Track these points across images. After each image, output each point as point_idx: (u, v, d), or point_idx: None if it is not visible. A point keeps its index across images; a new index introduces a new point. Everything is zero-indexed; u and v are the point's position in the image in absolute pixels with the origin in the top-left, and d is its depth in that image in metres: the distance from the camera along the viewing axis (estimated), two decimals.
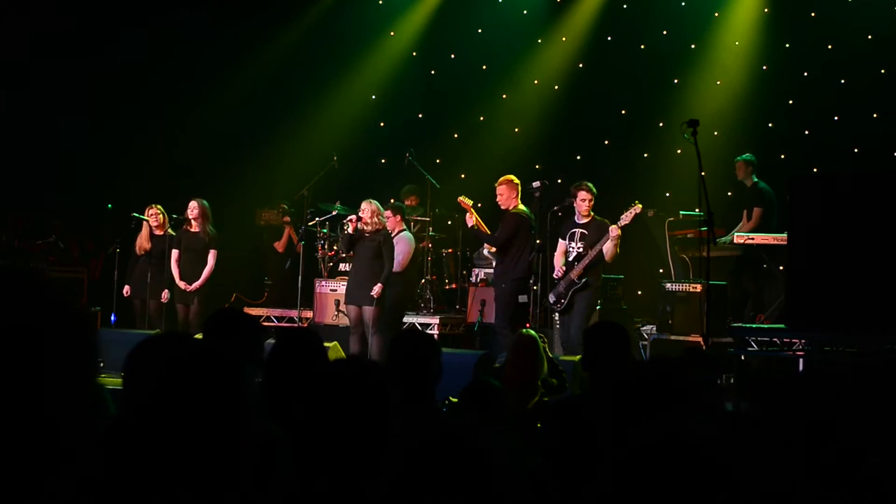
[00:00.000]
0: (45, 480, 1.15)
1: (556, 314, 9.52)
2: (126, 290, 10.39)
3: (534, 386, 5.49)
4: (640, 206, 8.91)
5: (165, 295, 10.13)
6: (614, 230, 8.76)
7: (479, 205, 11.49)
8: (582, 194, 9.08)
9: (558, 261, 9.19)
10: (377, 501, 1.52)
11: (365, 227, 9.62)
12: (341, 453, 1.93)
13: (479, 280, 10.99)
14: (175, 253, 10.16)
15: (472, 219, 9.36)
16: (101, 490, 1.51)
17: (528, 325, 8.67)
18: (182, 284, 10.08)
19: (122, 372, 1.68)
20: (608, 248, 8.84)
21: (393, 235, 9.84)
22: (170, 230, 10.38)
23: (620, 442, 1.48)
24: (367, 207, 9.66)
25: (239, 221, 12.16)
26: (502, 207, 9.39)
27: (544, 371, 5.61)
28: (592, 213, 9.12)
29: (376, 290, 9.42)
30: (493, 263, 9.63)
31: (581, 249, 9.02)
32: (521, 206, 9.32)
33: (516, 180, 9.39)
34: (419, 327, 10.58)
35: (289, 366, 3.47)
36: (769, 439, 2.29)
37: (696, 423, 1.45)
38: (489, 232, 9.45)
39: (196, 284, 10.06)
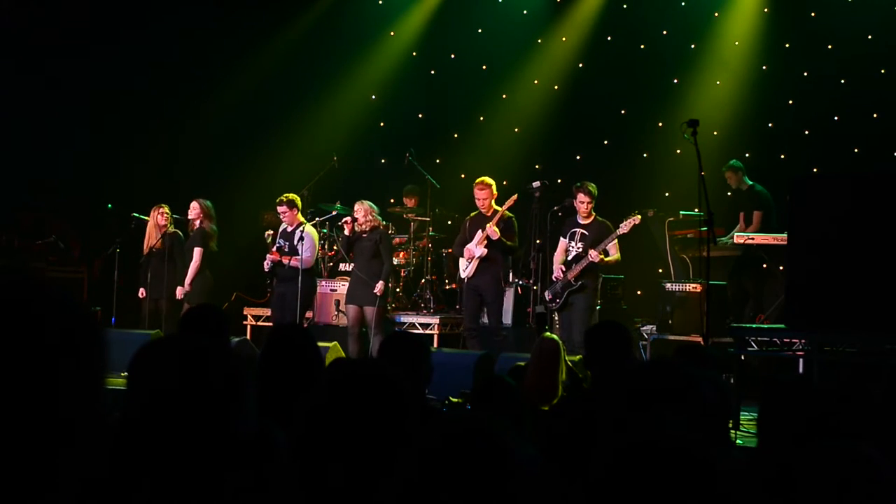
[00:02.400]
0: (55, 481, 1.15)
1: (556, 314, 9.53)
2: (141, 292, 10.39)
3: (555, 389, 5.52)
4: (640, 216, 8.96)
5: (180, 291, 10.12)
6: (594, 255, 8.83)
7: None
8: (580, 196, 9.10)
9: (558, 259, 9.20)
10: (391, 500, 1.52)
11: (361, 228, 9.65)
12: (357, 453, 1.93)
13: None
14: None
15: (496, 233, 9.28)
16: (105, 490, 1.51)
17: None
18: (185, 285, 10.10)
19: (125, 373, 1.69)
20: (607, 257, 8.94)
21: (290, 230, 9.81)
22: (171, 227, 10.38)
23: (601, 445, 1.48)
24: (360, 208, 9.72)
25: (239, 221, 12.15)
26: (483, 209, 9.39)
27: (564, 374, 5.65)
28: (594, 214, 9.14)
29: (379, 287, 9.46)
30: (473, 264, 9.46)
31: (580, 250, 9.05)
32: (499, 207, 9.39)
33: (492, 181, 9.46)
34: (419, 328, 10.59)
35: (282, 364, 3.47)
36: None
37: (673, 427, 1.44)
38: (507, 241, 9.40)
39: (185, 285, 10.06)
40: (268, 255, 9.89)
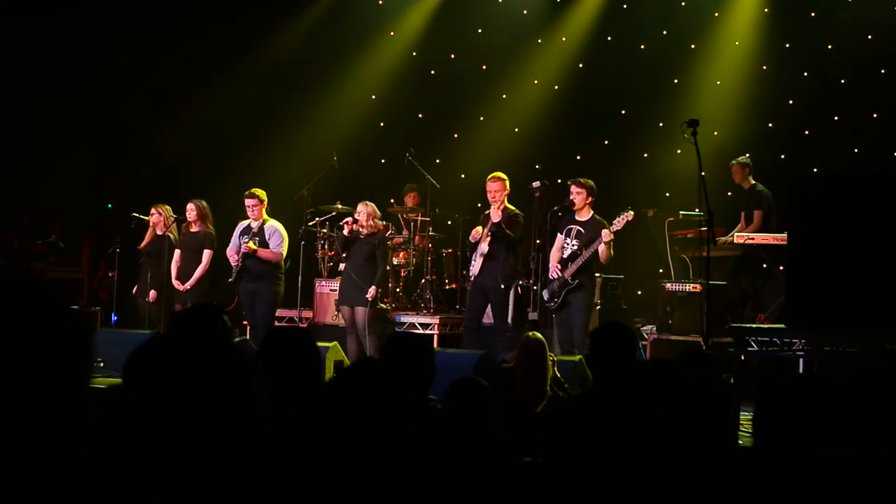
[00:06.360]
0: (44, 480, 1.16)
1: (554, 314, 9.51)
2: (135, 289, 10.37)
3: (543, 389, 5.49)
4: (633, 213, 8.88)
5: (153, 295, 10.06)
6: (606, 235, 8.74)
7: (479, 204, 11.50)
8: (574, 188, 9.08)
9: (555, 256, 9.14)
10: (392, 500, 1.52)
11: (360, 229, 9.63)
12: (359, 454, 1.93)
13: None
14: (177, 253, 10.14)
15: (499, 216, 9.21)
16: (96, 490, 1.51)
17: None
18: (177, 284, 10.05)
19: (121, 373, 1.68)
20: (601, 250, 8.81)
21: (256, 226, 9.63)
22: (171, 232, 10.33)
23: (621, 444, 1.47)
24: (363, 209, 9.67)
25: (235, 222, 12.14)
26: (494, 203, 9.32)
27: (551, 374, 5.62)
28: (592, 212, 9.10)
29: (371, 292, 9.44)
30: (478, 263, 9.42)
31: (576, 247, 8.99)
32: (512, 206, 9.34)
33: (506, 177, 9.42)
34: (419, 328, 10.59)
35: (278, 365, 3.45)
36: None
37: (701, 428, 1.44)
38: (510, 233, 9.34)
39: (188, 284, 10.02)
40: (235, 252, 9.62)
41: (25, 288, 1.20)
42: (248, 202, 9.69)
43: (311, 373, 3.40)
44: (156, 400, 1.60)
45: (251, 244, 9.52)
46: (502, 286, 9.31)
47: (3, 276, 1.21)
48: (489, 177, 9.42)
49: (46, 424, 1.16)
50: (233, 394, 1.62)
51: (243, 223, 9.83)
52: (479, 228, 9.39)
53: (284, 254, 9.72)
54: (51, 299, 1.20)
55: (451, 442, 1.51)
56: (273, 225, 9.70)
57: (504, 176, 9.38)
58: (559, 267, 9.05)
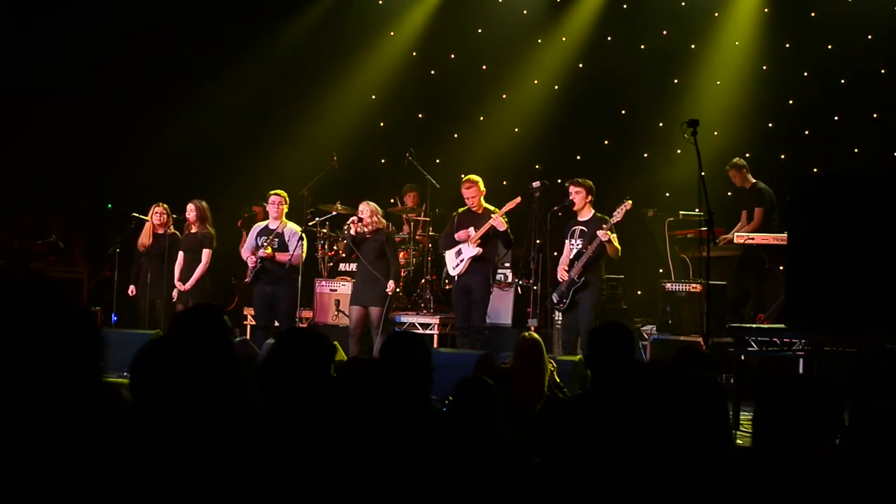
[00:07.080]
0: (45, 480, 1.16)
1: (558, 314, 9.52)
2: (131, 290, 10.35)
3: (541, 390, 5.48)
4: (631, 201, 8.93)
5: (176, 293, 10.09)
6: (603, 235, 8.77)
7: None
8: (572, 188, 9.12)
9: (564, 262, 9.17)
10: (400, 498, 1.53)
11: (366, 229, 9.64)
12: (360, 454, 1.94)
13: None
14: (181, 255, 10.15)
15: (503, 224, 9.26)
16: (107, 487, 1.52)
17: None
18: (178, 284, 10.06)
19: (128, 372, 1.69)
20: (606, 245, 8.86)
21: (275, 228, 9.64)
22: (171, 229, 10.35)
23: (615, 446, 1.49)
24: (366, 208, 9.68)
25: (234, 222, 12.14)
26: (473, 206, 9.37)
27: (548, 374, 5.61)
28: (593, 210, 9.12)
29: (391, 286, 9.48)
30: (465, 263, 9.41)
31: (581, 247, 9.03)
32: (488, 205, 9.39)
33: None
34: (419, 328, 10.59)
35: (288, 366, 3.46)
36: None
37: (683, 429, 1.46)
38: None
39: (188, 284, 10.02)
40: (252, 252, 9.65)
41: (31, 285, 1.20)
42: (272, 199, 9.76)
43: (319, 373, 3.41)
44: (154, 403, 1.61)
45: (269, 249, 9.53)
46: (492, 287, 9.39)
47: (9, 274, 1.21)
48: (465, 178, 9.46)
49: (48, 425, 1.16)
50: (228, 397, 1.63)
51: (260, 224, 9.89)
52: (471, 230, 9.37)
53: (304, 256, 9.74)
54: (59, 297, 1.21)
55: (462, 444, 1.52)
56: (292, 228, 9.73)
57: (478, 178, 9.45)
58: (566, 268, 9.06)
